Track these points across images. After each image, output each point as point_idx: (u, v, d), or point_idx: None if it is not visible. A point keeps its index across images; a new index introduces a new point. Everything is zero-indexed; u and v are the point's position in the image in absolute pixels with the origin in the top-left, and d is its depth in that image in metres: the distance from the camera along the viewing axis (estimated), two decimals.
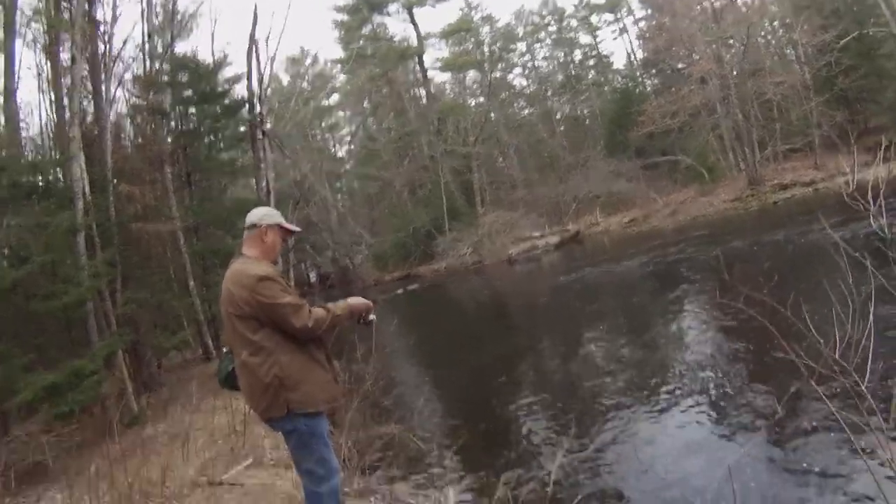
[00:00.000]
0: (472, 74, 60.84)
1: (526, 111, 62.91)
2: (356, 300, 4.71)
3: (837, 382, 3.93)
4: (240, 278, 4.33)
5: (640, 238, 33.14)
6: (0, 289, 10.34)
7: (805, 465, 6.03)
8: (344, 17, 55.59)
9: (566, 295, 21.75)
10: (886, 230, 3.86)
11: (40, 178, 14.17)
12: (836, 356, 3.82)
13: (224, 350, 4.79)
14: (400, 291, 37.12)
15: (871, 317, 3.91)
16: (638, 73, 59.28)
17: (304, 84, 58.12)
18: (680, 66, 43.81)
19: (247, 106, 19.86)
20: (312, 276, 51.59)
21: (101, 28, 16.66)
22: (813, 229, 11.74)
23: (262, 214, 4.70)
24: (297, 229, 5.11)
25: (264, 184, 19.51)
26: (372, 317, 4.76)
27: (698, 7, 41.56)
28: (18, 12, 16.03)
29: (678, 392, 8.98)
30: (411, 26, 55.46)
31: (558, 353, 13.73)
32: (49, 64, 15.76)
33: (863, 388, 3.74)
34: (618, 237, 37.06)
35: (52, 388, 9.62)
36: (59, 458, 9.47)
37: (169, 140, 18.81)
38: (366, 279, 48.21)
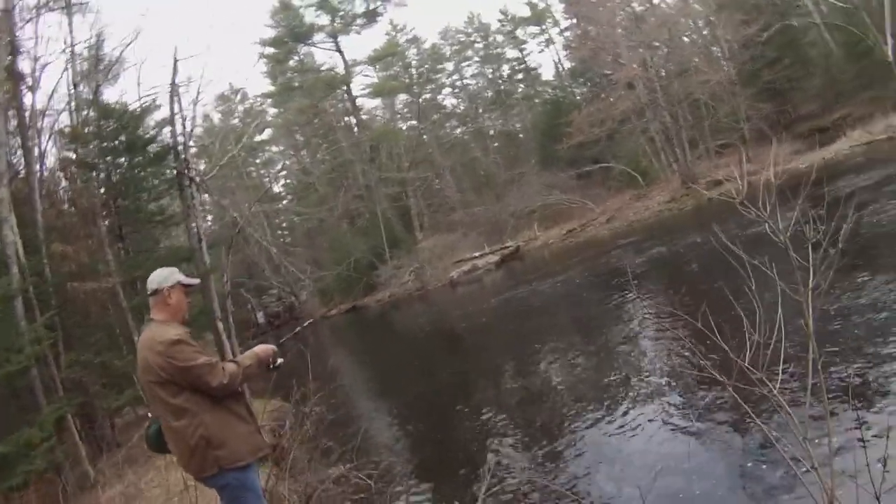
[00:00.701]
0: (402, 98, 61.13)
1: (458, 131, 63.32)
2: (261, 348, 4.77)
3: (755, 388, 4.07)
4: (153, 344, 4.32)
5: (578, 248, 33.72)
6: None
7: (727, 468, 6.41)
8: (270, 49, 55.44)
9: (508, 314, 22.06)
10: (780, 235, 3.97)
11: None
12: (747, 363, 3.98)
13: (149, 415, 4.81)
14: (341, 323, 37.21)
15: (779, 320, 4.10)
16: (567, 84, 59.90)
17: (236, 121, 58.01)
18: (607, 72, 44.39)
19: (172, 153, 19.67)
20: (260, 317, 51.16)
21: (28, 80, 16.44)
22: (733, 228, 12.19)
23: (162, 278, 4.67)
24: (196, 282, 5.12)
25: (195, 231, 19.27)
26: (280, 360, 4.77)
27: (621, 13, 42.18)
28: None
29: (607, 409, 9.42)
30: (337, 54, 55.61)
31: (501, 374, 14.04)
32: None
33: (774, 391, 3.91)
34: (557, 249, 37.52)
35: (2, 460, 9.44)
36: None
37: (102, 191, 18.57)
38: (313, 314, 48.06)
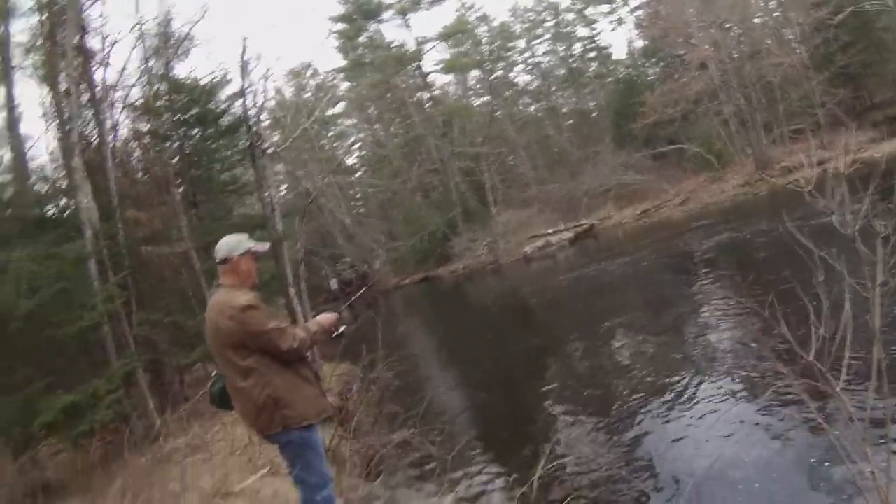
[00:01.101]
0: (473, 74, 60.79)
1: (532, 108, 62.74)
2: (324, 317, 5.04)
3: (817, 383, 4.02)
4: (224, 310, 4.57)
5: (652, 229, 33.31)
6: (15, 318, 10.73)
7: (784, 467, 6.30)
8: (340, 25, 55.65)
9: (580, 291, 22.02)
10: (849, 228, 3.87)
11: (48, 208, 14.59)
12: (811, 357, 3.93)
13: (214, 372, 5.11)
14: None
15: (846, 315, 3.97)
16: (639, 63, 58.90)
17: (308, 95, 58.34)
18: (680, 52, 43.60)
19: (244, 125, 20.14)
20: (333, 284, 51.72)
21: (98, 56, 16.98)
22: (806, 216, 11.97)
23: (230, 247, 4.84)
24: (266, 247, 5.25)
25: (268, 201, 19.76)
26: (342, 328, 5.06)
27: None
28: (14, 45, 16.48)
29: (670, 393, 9.40)
30: (408, 31, 55.55)
31: (573, 353, 14.01)
32: (50, 94, 16.03)
33: (836, 389, 3.86)
34: (631, 229, 37.07)
35: (71, 409, 9.95)
36: (82, 475, 9.74)
37: (175, 161, 19.11)
38: (386, 283, 48.47)
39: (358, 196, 63.11)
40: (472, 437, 10.17)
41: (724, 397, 8.57)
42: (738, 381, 9.08)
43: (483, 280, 38.04)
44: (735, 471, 6.45)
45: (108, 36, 17.96)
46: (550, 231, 42.11)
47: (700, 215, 32.56)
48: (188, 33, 20.53)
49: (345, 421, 9.84)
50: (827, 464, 5.97)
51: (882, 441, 4.68)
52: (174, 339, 16.21)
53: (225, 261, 4.78)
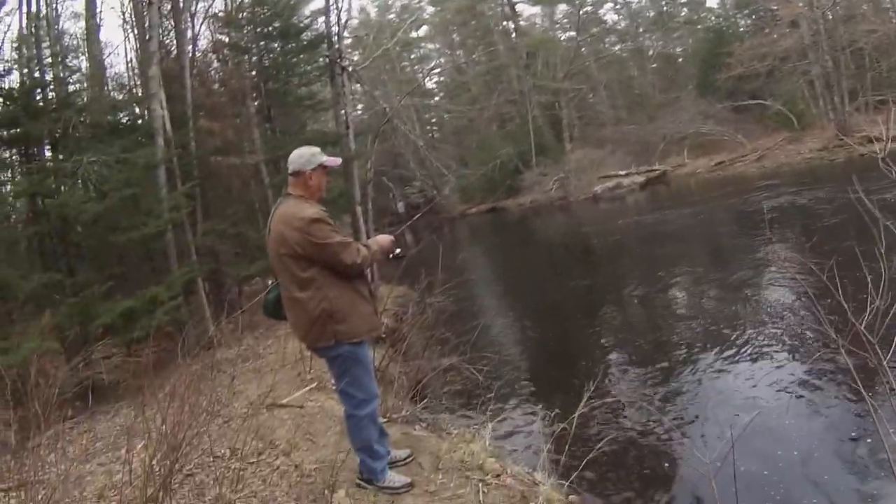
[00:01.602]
0: (562, 8, 59.54)
1: (617, 47, 61.17)
2: (383, 237, 5.10)
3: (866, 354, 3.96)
4: (291, 220, 4.63)
5: (724, 182, 32.86)
6: (83, 221, 11.01)
7: (813, 435, 6.34)
8: None
9: (645, 237, 21.96)
10: None
11: (124, 114, 14.80)
12: (863, 327, 3.88)
13: (271, 282, 5.24)
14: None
15: None
16: (731, 13, 57.36)
17: (392, 16, 57.92)
18: (773, 7, 42.27)
19: (326, 42, 20.08)
20: (399, 207, 51.97)
21: None
22: (877, 188, 11.69)
23: (304, 160, 4.87)
24: (338, 161, 5.26)
25: (344, 118, 19.81)
26: (398, 250, 5.11)
27: None
28: None
29: (721, 348, 9.44)
30: None
31: (629, 297, 14.06)
32: (130, 3, 16.09)
33: (884, 362, 3.81)
34: (703, 180, 36.62)
35: (128, 313, 10.24)
36: (134, 378, 10.03)
37: (253, 74, 19.18)
38: (452, 211, 48.56)
39: (433, 121, 62.89)
40: (519, 370, 10.35)
41: (772, 357, 8.62)
42: (788, 342, 9.12)
43: (550, 215, 37.95)
44: (773, 434, 6.49)
45: None
46: (623, 173, 41.67)
47: (773, 174, 32.04)
48: None
49: (396, 342, 10.03)
50: (864, 436, 5.98)
51: None
52: (236, 251, 16.47)
53: (297, 174, 4.85)
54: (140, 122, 14.48)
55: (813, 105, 41.69)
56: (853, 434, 6.09)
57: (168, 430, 4.74)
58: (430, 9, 60.24)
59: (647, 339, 10.82)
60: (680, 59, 60.27)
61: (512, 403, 8.89)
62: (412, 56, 64.70)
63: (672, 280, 14.52)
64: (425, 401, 8.22)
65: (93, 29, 16.11)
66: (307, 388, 8.41)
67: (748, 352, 8.99)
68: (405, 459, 5.63)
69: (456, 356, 9.14)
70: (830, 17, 36.95)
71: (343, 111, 19.96)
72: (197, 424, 5.12)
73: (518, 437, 7.77)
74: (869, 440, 5.86)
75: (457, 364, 9.05)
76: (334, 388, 8.43)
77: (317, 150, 5.01)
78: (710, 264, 15.94)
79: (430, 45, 67.17)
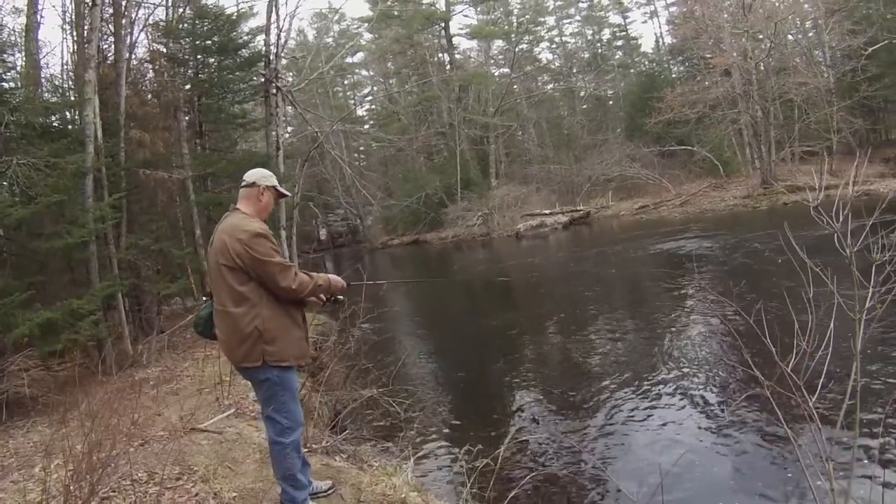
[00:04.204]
0: (498, 44, 60.54)
1: (549, 87, 62.43)
2: (336, 278, 5.04)
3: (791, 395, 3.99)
4: (235, 231, 4.59)
5: (647, 225, 33.55)
6: (6, 226, 10.57)
7: (746, 472, 6.40)
8: None
9: (567, 275, 22.12)
10: (846, 249, 3.82)
11: (55, 118, 14.33)
12: (790, 368, 3.92)
13: (203, 298, 5.06)
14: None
15: (830, 332, 4.01)
16: (665, 59, 58.91)
17: (329, 40, 57.96)
18: (707, 55, 43.51)
19: (263, 60, 19.89)
20: (322, 234, 51.72)
21: None
22: (800, 237, 11.87)
23: (261, 175, 4.97)
24: (288, 194, 5.39)
25: (275, 139, 19.61)
26: (341, 297, 5.16)
27: None
28: None
29: (646, 386, 9.53)
30: None
31: (550, 334, 14.06)
32: (73, 4, 15.71)
33: (809, 404, 3.83)
34: (626, 222, 37.40)
35: (47, 325, 9.79)
36: (50, 393, 9.67)
37: (186, 88, 18.85)
38: (374, 241, 48.49)
39: (361, 149, 62.97)
40: (440, 404, 10.27)
41: (696, 397, 8.68)
42: (711, 382, 9.23)
43: (472, 251, 38.09)
44: (701, 472, 6.53)
45: None
46: (546, 212, 42.39)
47: (697, 220, 32.98)
48: None
49: (316, 371, 9.90)
50: (787, 475, 6.09)
51: (846, 463, 4.86)
52: (158, 268, 16.09)
53: (252, 185, 4.90)
54: (71, 127, 14.03)
55: (739, 153, 43.15)
56: (780, 475, 6.18)
57: (86, 449, 4.52)
58: (368, 35, 60.56)
59: (570, 378, 10.77)
60: (610, 102, 61.67)
61: (433, 437, 8.79)
62: (345, 82, 64.83)
63: (594, 319, 14.58)
64: (346, 432, 8.04)
65: (32, 26, 15.63)
66: (225, 413, 8.22)
67: (672, 391, 9.05)
68: (327, 491, 5.47)
69: (377, 388, 9.04)
70: (763, 68, 38.02)
71: (275, 132, 19.78)
72: (115, 446, 4.91)
73: (441, 471, 7.67)
74: (793, 478, 6.00)
75: (378, 396, 8.92)
76: (253, 414, 8.26)
77: (273, 175, 5.12)
78: (632, 305, 16.15)
79: (364, 72, 67.62)
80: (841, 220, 4.00)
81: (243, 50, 19.91)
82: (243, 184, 4.93)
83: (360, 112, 63.71)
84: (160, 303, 16.42)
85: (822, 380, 3.98)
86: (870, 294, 3.79)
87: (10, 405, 9.25)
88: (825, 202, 4.09)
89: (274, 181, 5.02)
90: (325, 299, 5.07)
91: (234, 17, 19.68)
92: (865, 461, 5.95)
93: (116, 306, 12.96)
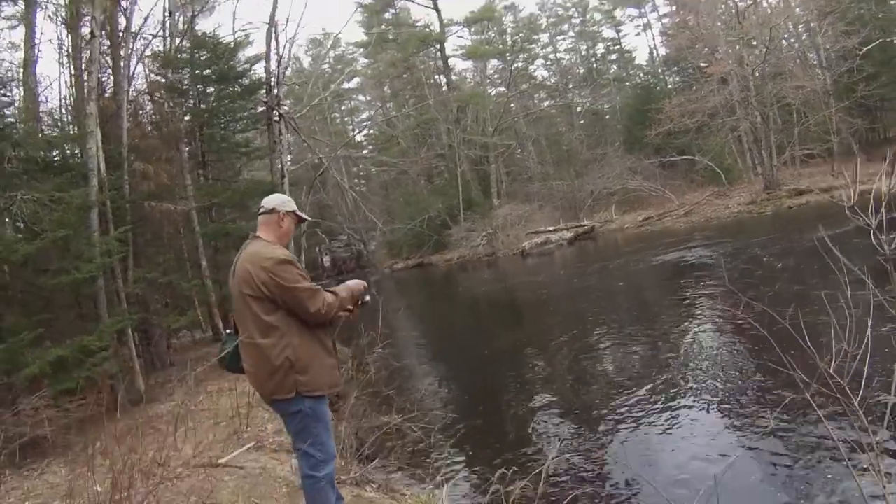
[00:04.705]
0: (493, 63, 60.74)
1: (546, 103, 62.60)
2: (354, 282, 4.94)
3: (833, 398, 3.87)
4: (259, 260, 4.41)
5: (653, 237, 33.33)
6: (12, 262, 10.38)
7: (794, 478, 6.13)
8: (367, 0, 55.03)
9: (576, 291, 21.82)
10: (886, 246, 3.81)
11: (56, 152, 14.19)
12: (831, 370, 3.80)
13: (227, 332, 4.89)
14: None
15: (868, 332, 3.88)
16: (660, 70, 59.14)
17: (325, 67, 58.15)
18: (702, 64, 43.65)
19: (264, 88, 19.80)
20: (326, 261, 51.61)
21: (123, 3, 16.55)
22: (819, 237, 11.64)
23: (281, 201, 4.83)
24: (309, 218, 5.24)
25: (279, 167, 19.47)
26: (367, 298, 4.93)
27: (722, 6, 41.41)
28: None
29: (676, 396, 9.16)
30: (434, 12, 55.27)
31: (565, 350, 13.71)
32: (69, 37, 15.66)
33: (854, 403, 3.72)
34: (631, 235, 37.20)
35: (58, 363, 9.61)
36: (63, 433, 9.48)
37: (186, 118, 18.76)
38: (379, 265, 48.40)
39: (361, 174, 63.06)
40: (468, 427, 9.99)
41: (732, 405, 8.41)
42: (746, 389, 8.92)
43: (478, 271, 37.96)
44: (747, 481, 6.30)
45: None
46: (551, 228, 42.09)
47: (702, 228, 32.79)
48: None
49: (335, 401, 9.67)
50: (833, 479, 5.83)
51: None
52: (166, 301, 15.95)
53: (272, 211, 4.74)
54: (73, 161, 13.91)
55: (740, 160, 43.28)
56: (829, 479, 5.90)
57: (108, 489, 4.32)
58: (364, 60, 60.76)
59: (593, 393, 10.51)
60: (608, 116, 61.94)
61: (463, 462, 8.53)
62: (343, 108, 65.03)
63: (608, 333, 14.28)
64: (375, 461, 7.81)
65: (30, 61, 15.52)
66: (245, 447, 8.03)
67: (706, 400, 8.70)
68: None
69: (402, 414, 8.87)
70: (759, 74, 38.03)
71: (279, 159, 19.65)
72: (137, 485, 4.70)
73: (476, 497, 7.37)
74: (841, 482, 5.71)
75: (404, 422, 8.74)
76: (274, 447, 8.03)
77: (291, 199, 5.01)
78: (645, 316, 15.83)
79: (362, 97, 67.94)
80: (877, 219, 3.98)
81: (243, 78, 19.86)
82: (262, 210, 4.78)
83: (359, 137, 63.83)
84: (169, 336, 16.26)
85: (863, 380, 3.84)
86: None
87: (24, 446, 9.04)
88: (836, 203, 3.96)
89: (293, 206, 4.87)
90: (351, 309, 4.87)
91: (232, 46, 19.65)
92: None
93: (126, 341, 12.83)
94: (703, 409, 8.42)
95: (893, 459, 5.18)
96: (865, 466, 4.18)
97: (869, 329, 3.88)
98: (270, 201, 4.79)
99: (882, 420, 4.12)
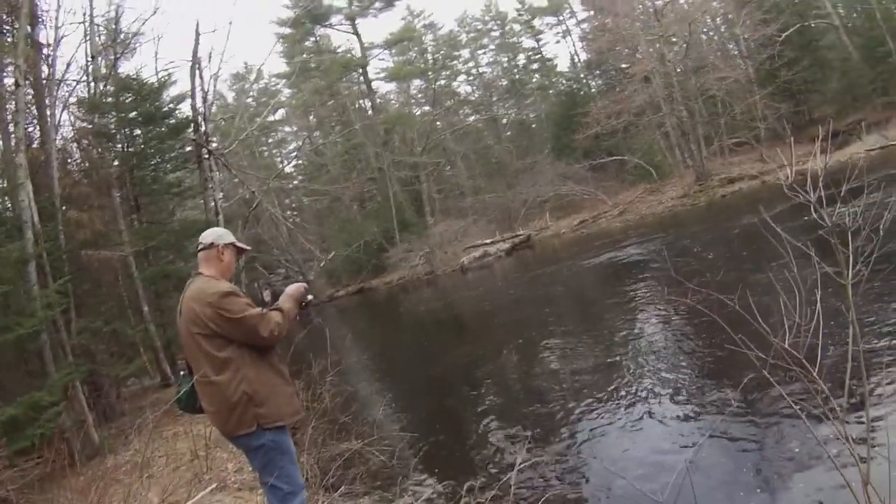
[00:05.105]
0: (416, 83, 61.10)
1: (472, 118, 62.93)
2: (293, 287, 4.88)
3: (790, 372, 4.01)
4: (203, 296, 4.35)
5: (589, 239, 33.74)
6: None
7: (763, 454, 6.27)
8: (286, 30, 54.76)
9: (519, 300, 21.94)
10: (826, 219, 3.86)
11: None
12: (786, 345, 3.89)
13: (181, 373, 4.80)
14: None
15: (818, 305, 4.00)
16: (582, 75, 59.96)
17: (250, 100, 57.83)
18: (623, 65, 44.41)
19: (192, 126, 19.59)
20: (266, 296, 50.96)
21: (44, 51, 16.28)
22: (757, 221, 11.93)
23: (218, 235, 4.77)
24: (249, 248, 5.24)
25: (213, 204, 19.26)
26: (310, 297, 4.91)
27: (640, 6, 42.17)
28: None
29: (634, 390, 9.24)
30: (355, 37, 55.41)
31: (515, 359, 13.81)
32: None
33: (813, 373, 3.83)
34: (568, 240, 37.62)
35: (10, 422, 9.42)
36: (21, 493, 9.24)
37: (116, 163, 18.48)
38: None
39: (293, 206, 62.71)
40: (426, 445, 9.93)
41: (691, 392, 8.54)
42: (701, 374, 9.06)
43: (419, 291, 37.89)
44: (717, 466, 6.37)
45: (60, 27, 17.43)
46: (488, 241, 42.38)
47: (638, 226, 33.38)
48: (138, 30, 19.99)
49: (295, 432, 9.59)
50: (802, 450, 5.99)
51: (861, 422, 4.78)
52: (112, 350, 15.68)
53: (210, 246, 4.67)
54: (6, 214, 13.62)
55: (669, 155, 44.01)
56: (796, 449, 6.08)
57: None
58: (287, 91, 60.46)
59: (550, 397, 10.47)
60: (534, 125, 62.54)
61: (431, 479, 8.48)
62: (270, 140, 64.67)
63: (555, 338, 14.23)
64: (341, 488, 7.75)
65: None
66: (208, 488, 7.94)
67: (664, 390, 8.77)
68: None
69: (362, 439, 8.87)
70: (680, 69, 38.75)
71: (212, 196, 19.45)
72: None
73: None
74: (803, 449, 5.99)
75: (364, 447, 8.70)
76: (237, 486, 7.95)
77: (228, 231, 4.96)
78: (590, 318, 15.96)
79: (288, 128, 67.55)
80: (815, 194, 4.04)
81: (170, 118, 19.65)
82: (200, 247, 4.72)
83: (289, 168, 63.48)
84: (119, 385, 15.96)
85: (819, 351, 3.94)
86: (850, 258, 3.82)
87: None
88: (767, 187, 4.08)
89: (231, 238, 4.82)
90: (298, 315, 4.88)
91: (156, 86, 19.41)
92: (882, 424, 5.79)
93: (76, 394, 12.50)
94: (663, 399, 8.48)
95: (856, 425, 5.28)
96: (831, 435, 4.26)
97: (818, 302, 4.00)
98: (208, 236, 4.75)
99: (842, 389, 4.21)
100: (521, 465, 6.34)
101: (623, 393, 9.23)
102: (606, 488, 6.65)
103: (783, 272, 4.40)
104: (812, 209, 3.96)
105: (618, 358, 11.11)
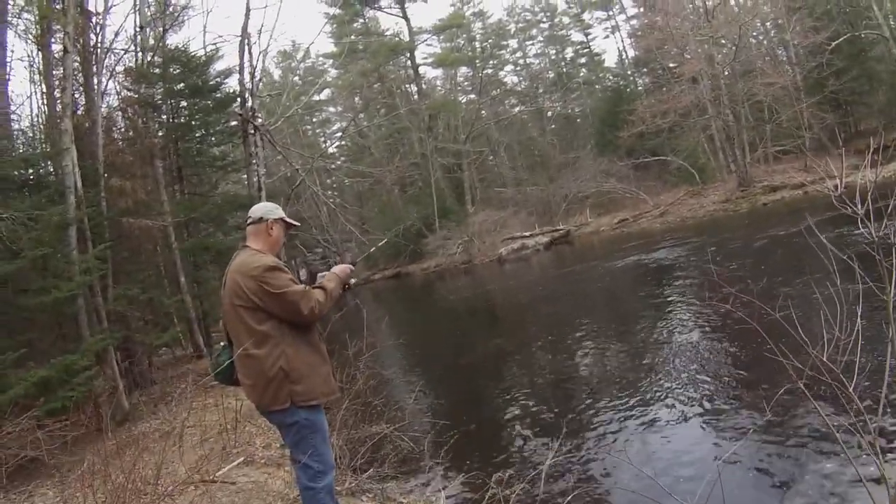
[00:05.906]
0: (463, 71, 60.86)
1: (517, 109, 62.65)
2: (340, 268, 4.93)
3: (826, 386, 3.91)
4: (247, 269, 4.37)
5: (629, 239, 33.41)
6: None
7: (793, 466, 6.13)
8: (336, 10, 54.74)
9: (555, 295, 21.80)
10: (873, 233, 3.77)
11: (31, 171, 14.01)
12: (824, 358, 3.80)
13: (221, 344, 4.82)
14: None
15: (858, 319, 3.91)
16: (629, 72, 59.47)
17: (296, 79, 57.94)
18: (671, 65, 43.96)
19: (238, 100, 19.62)
20: (302, 274, 51.26)
21: (94, 19, 16.35)
22: (801, 231, 11.69)
23: (268, 209, 4.78)
24: (298, 223, 5.25)
25: (256, 179, 19.29)
26: (353, 280, 4.97)
27: (690, 6, 41.70)
28: (10, 1, 15.85)
29: (667, 392, 9.09)
30: (403, 21, 55.49)
31: (550, 353, 13.64)
32: (40, 55, 15.49)
33: (850, 390, 3.73)
34: (607, 238, 37.31)
35: (43, 384, 9.50)
36: (51, 455, 9.32)
37: (160, 134, 18.58)
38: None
39: (334, 186, 62.84)
40: (455, 433, 9.83)
41: (728, 398, 8.37)
42: (738, 382, 8.85)
43: (456, 279, 37.81)
44: (745, 474, 6.25)
45: None
46: (527, 234, 42.23)
47: (678, 228, 32.99)
48: (188, 2, 20.02)
49: (327, 412, 9.59)
50: (832, 466, 5.85)
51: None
52: (146, 318, 15.78)
53: (259, 220, 4.70)
54: (49, 178, 13.73)
55: (713, 159, 43.49)
56: (829, 466, 5.92)
57: None
58: (334, 71, 60.55)
59: (583, 393, 10.36)
60: (579, 120, 62.06)
61: (459, 467, 8.39)
62: (314, 120, 64.78)
63: (591, 335, 14.15)
64: (370, 470, 7.72)
65: (2, 79, 15.33)
66: (235, 462, 7.97)
67: (699, 394, 8.62)
68: None
69: (393, 423, 8.79)
70: (728, 72, 38.29)
71: (255, 172, 19.49)
72: None
73: (475, 501, 7.29)
74: (838, 468, 5.77)
75: (396, 430, 8.66)
76: (264, 461, 7.95)
77: (278, 206, 4.97)
78: (628, 317, 15.70)
79: (332, 109, 67.58)
80: (863, 208, 3.95)
81: (216, 92, 19.68)
82: (249, 220, 4.73)
83: (332, 149, 63.60)
84: (151, 354, 16.09)
85: (856, 367, 3.86)
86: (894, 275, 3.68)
87: (11, 470, 8.90)
88: (810, 197, 3.98)
89: (281, 213, 4.82)
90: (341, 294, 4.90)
91: (204, 60, 19.46)
92: None
93: (108, 360, 12.59)
94: (695, 402, 8.36)
95: (890, 444, 5.18)
96: (862, 452, 4.17)
97: (859, 317, 3.92)
98: (257, 210, 4.76)
99: (877, 406, 4.11)
100: (553, 459, 6.25)
101: (655, 394, 9.11)
102: (636, 489, 6.56)
103: (824, 284, 4.33)
104: (859, 222, 3.87)
105: (651, 358, 10.97)
